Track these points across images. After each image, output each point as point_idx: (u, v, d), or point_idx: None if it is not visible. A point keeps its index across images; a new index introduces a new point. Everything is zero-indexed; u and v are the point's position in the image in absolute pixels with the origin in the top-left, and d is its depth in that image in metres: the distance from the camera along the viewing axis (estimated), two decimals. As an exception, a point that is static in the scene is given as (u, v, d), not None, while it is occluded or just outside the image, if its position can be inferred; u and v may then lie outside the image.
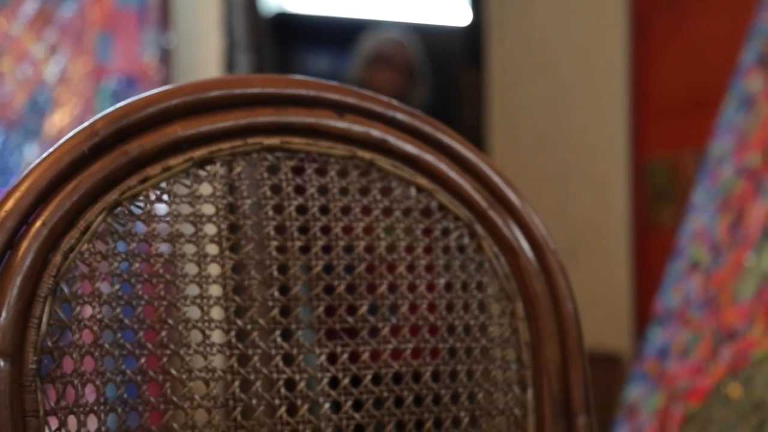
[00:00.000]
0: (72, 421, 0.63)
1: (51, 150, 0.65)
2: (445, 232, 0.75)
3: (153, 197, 0.67)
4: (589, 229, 2.84)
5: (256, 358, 0.69)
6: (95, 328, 0.64)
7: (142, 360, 0.66)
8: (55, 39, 2.03)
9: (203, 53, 2.25)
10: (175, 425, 0.66)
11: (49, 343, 0.62)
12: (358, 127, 0.73)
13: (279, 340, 0.70)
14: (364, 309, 0.73)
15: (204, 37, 2.26)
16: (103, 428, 0.64)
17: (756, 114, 1.90)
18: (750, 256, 1.77)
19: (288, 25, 4.43)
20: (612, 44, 2.76)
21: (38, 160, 0.64)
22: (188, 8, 2.22)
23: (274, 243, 0.71)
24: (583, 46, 2.87)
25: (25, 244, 0.62)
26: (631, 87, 2.70)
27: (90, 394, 0.64)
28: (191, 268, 0.68)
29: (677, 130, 2.55)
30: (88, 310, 0.64)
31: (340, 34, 4.15)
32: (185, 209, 0.68)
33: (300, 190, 0.72)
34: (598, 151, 2.81)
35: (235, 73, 2.41)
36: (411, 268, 0.75)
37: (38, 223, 0.62)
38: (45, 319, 0.62)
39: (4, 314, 0.60)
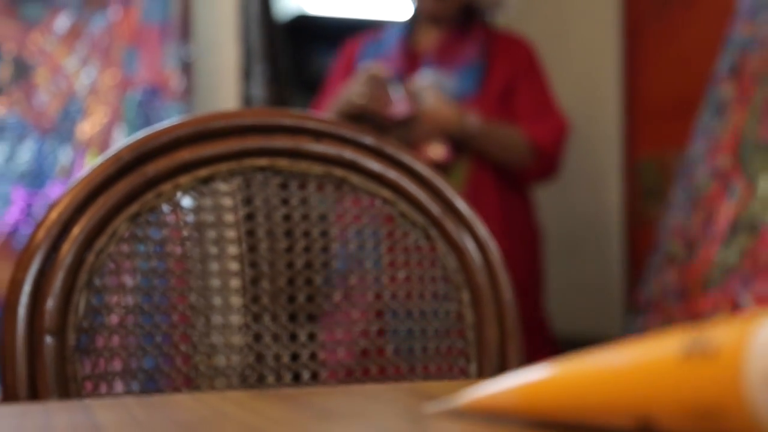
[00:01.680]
0: (103, 385, 0.81)
1: (85, 172, 0.82)
2: (405, 235, 0.92)
3: (166, 209, 0.84)
4: (586, 223, 2.99)
5: (249, 337, 0.87)
6: (121, 312, 0.82)
7: (158, 338, 0.83)
8: (86, 53, 2.20)
9: (221, 63, 2.42)
10: (183, 389, 0.83)
11: (85, 325, 0.80)
12: (332, 150, 0.90)
13: (267, 321, 0.87)
14: (338, 297, 0.90)
15: (222, 49, 2.43)
16: (127, 391, 0.81)
17: (727, 120, 2.05)
18: (718, 251, 1.92)
19: (308, 27, 4.54)
20: (606, 51, 2.91)
21: (75, 181, 0.81)
22: (207, 22, 2.39)
23: (264, 245, 0.88)
24: (579, 54, 3.02)
25: (66, 246, 0.79)
26: (624, 91, 2.85)
27: (117, 365, 0.81)
28: (196, 265, 0.85)
29: (666, 132, 2.69)
30: (115, 299, 0.82)
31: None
32: (191, 218, 0.85)
33: (285, 201, 0.89)
34: (594, 150, 2.96)
35: (251, 81, 2.57)
36: (377, 264, 0.92)
37: (76, 230, 0.80)
38: (82, 305, 0.79)
39: (50, 302, 0.78)
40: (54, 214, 0.80)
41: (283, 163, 0.89)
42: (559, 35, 3.09)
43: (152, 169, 0.84)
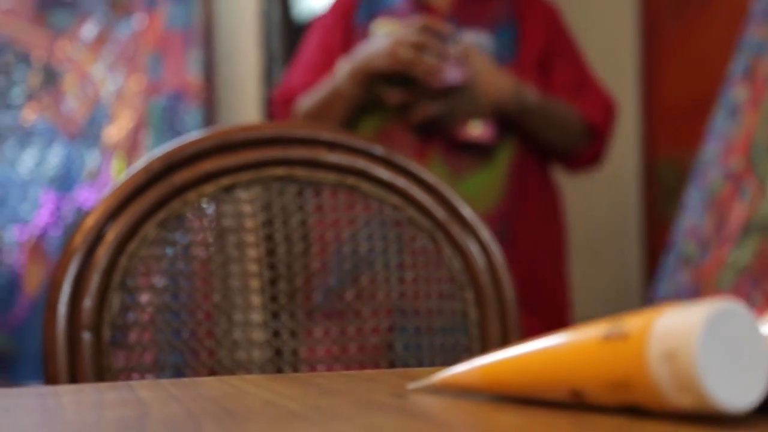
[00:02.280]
0: (135, 377, 0.88)
1: (118, 182, 0.89)
2: (413, 239, 0.99)
3: (191, 215, 0.91)
4: (604, 223, 3.04)
5: (268, 334, 0.94)
6: (151, 310, 0.89)
7: (185, 334, 0.91)
8: (112, 59, 2.29)
9: (242, 68, 2.50)
10: (208, 381, 0.90)
11: (119, 322, 0.87)
12: (345, 160, 0.97)
13: (285, 319, 0.94)
14: (350, 296, 0.97)
15: (243, 54, 2.50)
16: (156, 383, 0.88)
17: (740, 122, 2.10)
18: (730, 252, 1.98)
19: None
20: (623, 53, 2.96)
21: (110, 190, 0.89)
22: (228, 27, 2.47)
23: (282, 249, 0.95)
24: (596, 55, 3.07)
25: (101, 250, 0.87)
26: (641, 92, 2.90)
27: (147, 359, 0.89)
28: (218, 267, 0.92)
29: (683, 133, 2.75)
30: (145, 298, 0.89)
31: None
32: (214, 224, 0.92)
33: (301, 208, 0.96)
34: (612, 151, 3.01)
35: (273, 84, 2.65)
36: (387, 265, 0.98)
37: (110, 235, 0.87)
38: (116, 304, 0.87)
39: (87, 301, 0.85)
40: (90, 221, 0.87)
41: (299, 172, 0.96)
42: (576, 36, 3.13)
43: (179, 178, 0.91)
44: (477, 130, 1.68)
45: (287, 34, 2.80)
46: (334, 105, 1.70)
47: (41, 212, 2.21)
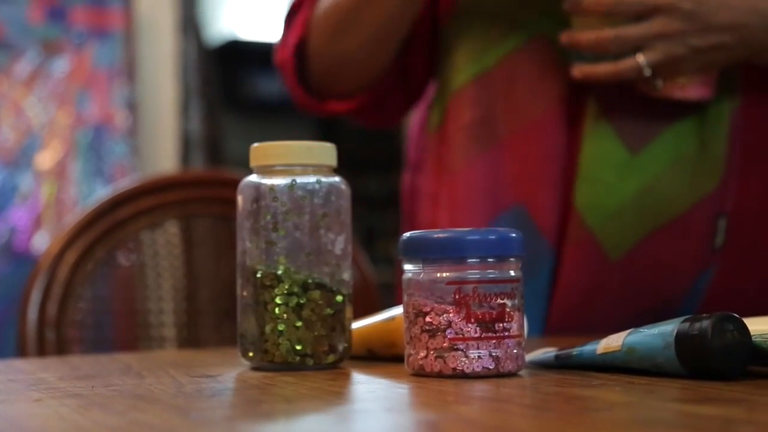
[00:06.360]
0: (87, 364, 1.17)
1: (75, 217, 1.18)
2: (300, 258, 1.30)
3: (130, 243, 1.21)
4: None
5: (189, 330, 1.23)
6: (101, 314, 1.18)
7: (124, 332, 1.20)
8: (44, 95, 2.55)
9: (162, 101, 2.78)
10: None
11: (76, 323, 1.16)
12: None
13: (202, 318, 1.24)
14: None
15: (162, 88, 2.78)
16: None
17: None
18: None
19: (239, 52, 4.79)
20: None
21: (69, 222, 1.18)
22: (149, 65, 2.74)
23: (200, 265, 1.25)
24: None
25: (62, 268, 1.16)
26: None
27: (98, 350, 1.18)
28: (153, 280, 1.22)
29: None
30: (96, 305, 1.18)
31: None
32: (150, 248, 1.22)
33: (214, 234, 1.26)
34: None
35: (189, 115, 2.93)
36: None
37: (69, 257, 1.16)
38: (74, 309, 1.16)
39: (52, 307, 1.14)
40: (55, 248, 1.16)
41: (213, 208, 1.26)
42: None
43: (120, 214, 1.20)
44: (688, 86, 0.97)
45: (202, 70, 3.08)
46: (366, 11, 1.03)
47: (-21, 232, 2.46)
